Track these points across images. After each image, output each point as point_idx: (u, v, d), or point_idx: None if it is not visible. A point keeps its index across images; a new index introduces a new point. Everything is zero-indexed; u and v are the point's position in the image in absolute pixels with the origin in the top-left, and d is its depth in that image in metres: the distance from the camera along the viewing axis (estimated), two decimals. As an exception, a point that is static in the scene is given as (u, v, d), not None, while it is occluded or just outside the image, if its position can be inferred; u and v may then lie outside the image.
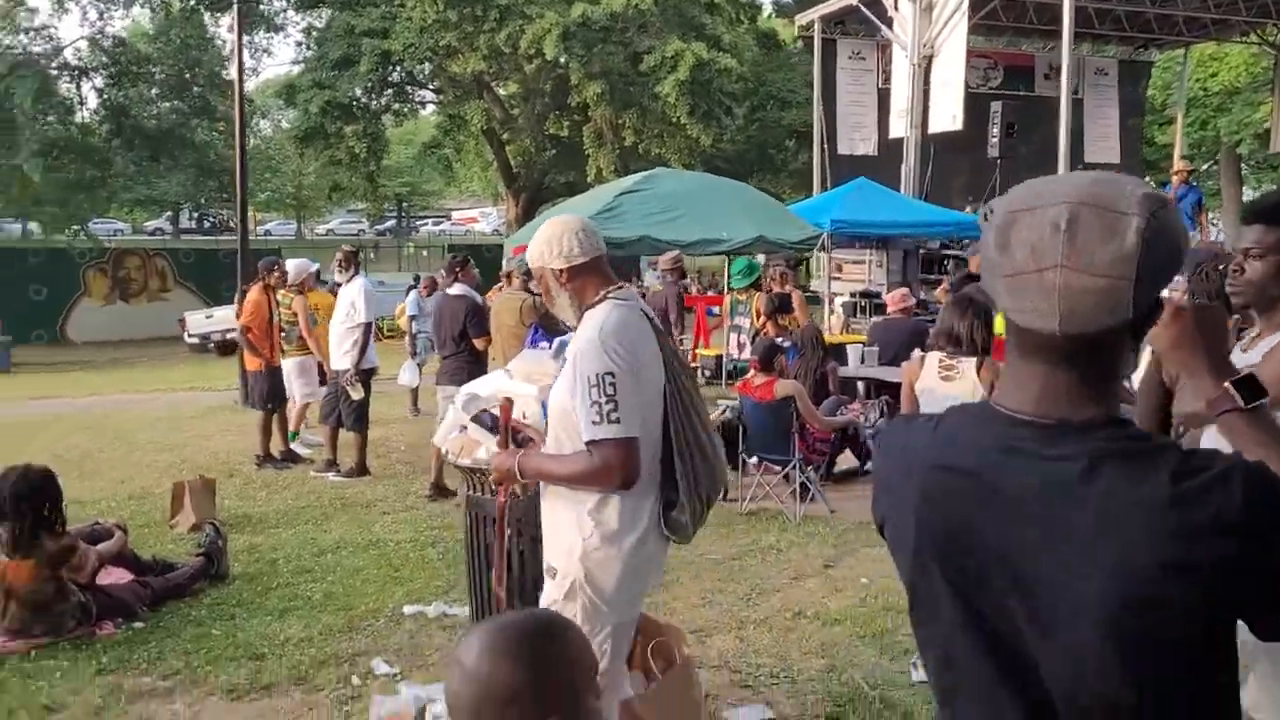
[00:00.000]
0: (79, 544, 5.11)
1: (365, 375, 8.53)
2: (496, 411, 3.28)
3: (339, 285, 9.13)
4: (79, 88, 24.98)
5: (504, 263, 10.55)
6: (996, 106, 15.28)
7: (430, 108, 32.47)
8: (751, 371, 7.35)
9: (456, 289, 8.05)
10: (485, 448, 3.60)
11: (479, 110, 26.14)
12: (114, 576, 5.50)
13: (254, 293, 9.18)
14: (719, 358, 13.14)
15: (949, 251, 14.93)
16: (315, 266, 10.13)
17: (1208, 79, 29.22)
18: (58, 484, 5.09)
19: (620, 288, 2.91)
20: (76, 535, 5.20)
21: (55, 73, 24.00)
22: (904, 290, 9.75)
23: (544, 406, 3.38)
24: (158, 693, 4.43)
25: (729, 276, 12.27)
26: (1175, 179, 14.51)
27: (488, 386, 3.86)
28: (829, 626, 5.05)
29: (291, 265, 9.58)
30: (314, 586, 5.77)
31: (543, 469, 2.93)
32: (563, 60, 24.15)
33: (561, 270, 2.89)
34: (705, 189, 12.14)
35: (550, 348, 4.04)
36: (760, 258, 11.59)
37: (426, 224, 60.19)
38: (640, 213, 11.09)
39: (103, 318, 24.25)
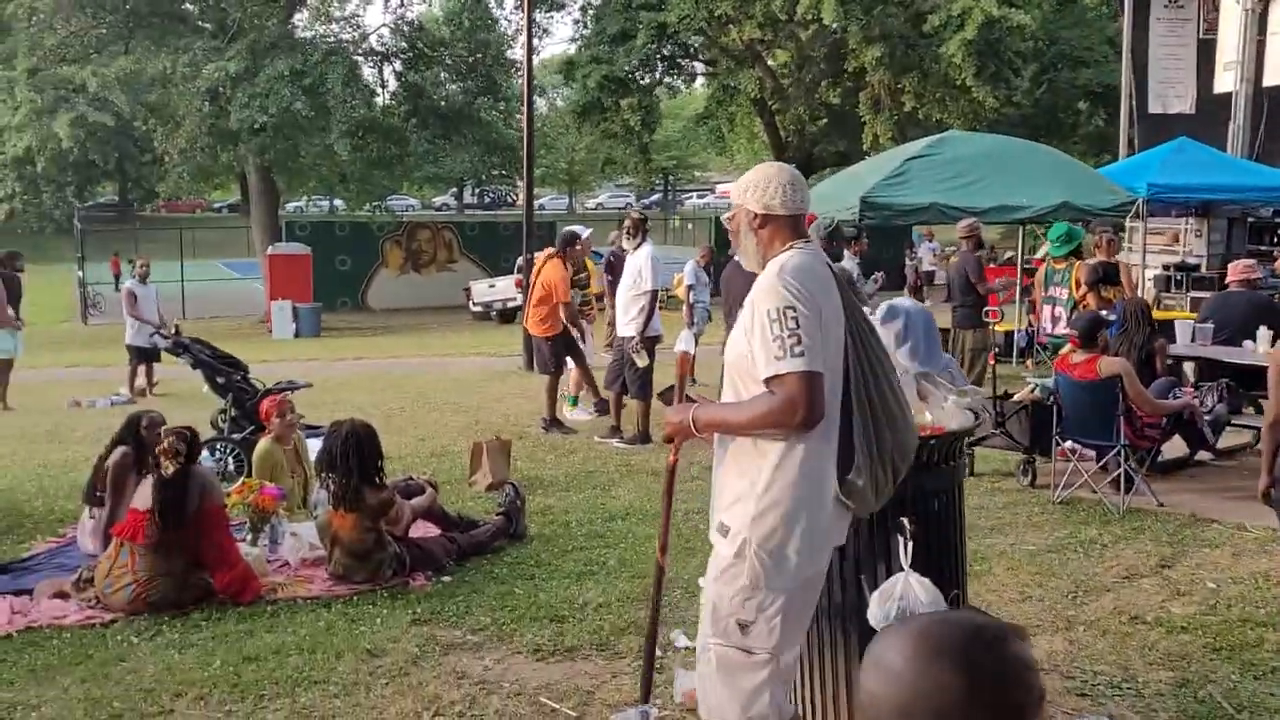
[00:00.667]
0: (396, 498, 5.32)
1: (650, 343, 8.52)
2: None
3: (624, 253, 9.17)
4: (381, 72, 26.86)
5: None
6: (1350, 52, 13.36)
7: (700, 80, 32.58)
8: (1069, 347, 6.71)
9: (744, 256, 7.85)
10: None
11: (753, 79, 25.89)
12: (423, 530, 5.73)
13: (552, 262, 9.37)
14: (1009, 334, 12.28)
15: (1285, 219, 13.22)
16: (588, 233, 10.28)
17: None
18: (378, 440, 5.31)
19: (807, 242, 2.85)
20: (393, 489, 5.42)
21: (360, 58, 25.86)
22: (1249, 260, 8.65)
23: None
24: (467, 646, 4.52)
25: (1028, 245, 11.39)
26: None
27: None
28: (1174, 635, 4.48)
29: (566, 232, 9.76)
30: (607, 552, 5.77)
31: (719, 418, 2.83)
32: (836, 26, 23.41)
33: (756, 215, 2.85)
34: (1001, 152, 11.34)
35: (874, 313, 3.77)
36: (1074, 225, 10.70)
37: (691, 197, 60.96)
38: (930, 179, 10.51)
39: (397, 286, 26.06)
